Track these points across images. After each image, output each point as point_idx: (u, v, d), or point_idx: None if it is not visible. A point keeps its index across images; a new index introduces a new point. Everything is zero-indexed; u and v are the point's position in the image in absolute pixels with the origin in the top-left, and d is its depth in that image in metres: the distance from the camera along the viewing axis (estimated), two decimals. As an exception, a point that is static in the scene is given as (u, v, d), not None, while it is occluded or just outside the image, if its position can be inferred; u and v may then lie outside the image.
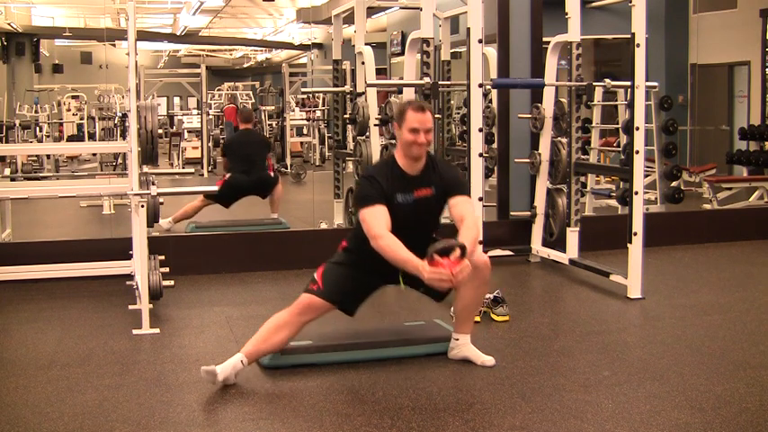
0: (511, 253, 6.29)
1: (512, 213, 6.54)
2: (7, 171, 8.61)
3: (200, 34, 15.88)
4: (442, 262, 3.34)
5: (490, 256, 5.86)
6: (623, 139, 8.42)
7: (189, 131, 12.94)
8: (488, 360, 3.84)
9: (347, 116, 6.76)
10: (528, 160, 6.25)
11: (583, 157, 6.47)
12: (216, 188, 5.38)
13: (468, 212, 3.66)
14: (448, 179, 3.72)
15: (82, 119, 12.37)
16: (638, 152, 5.10)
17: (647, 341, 4.31)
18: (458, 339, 3.90)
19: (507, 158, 6.51)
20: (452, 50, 7.06)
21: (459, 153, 7.09)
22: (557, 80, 6.05)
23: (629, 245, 5.14)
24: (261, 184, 7.73)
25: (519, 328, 4.51)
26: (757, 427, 3.17)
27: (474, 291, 3.77)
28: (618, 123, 8.83)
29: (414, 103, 3.73)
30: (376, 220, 3.52)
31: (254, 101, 15.29)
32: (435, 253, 3.34)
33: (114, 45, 11.19)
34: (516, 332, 4.42)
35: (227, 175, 7.63)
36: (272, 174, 7.89)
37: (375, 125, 6.17)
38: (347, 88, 7.02)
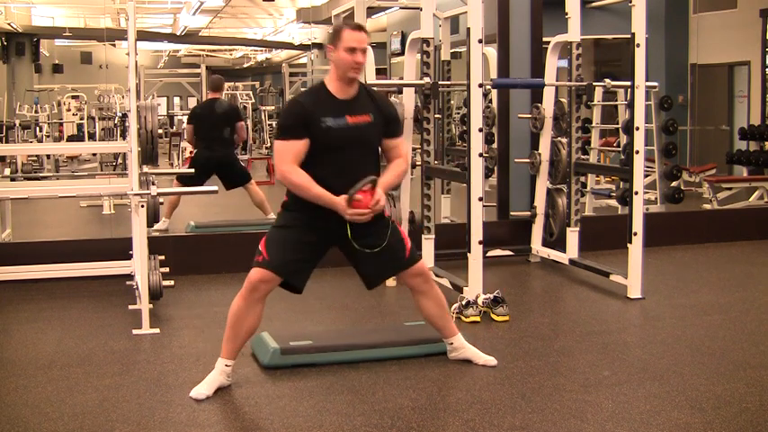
0: (511, 253, 6.29)
1: (512, 213, 6.54)
2: (7, 171, 8.61)
3: (200, 34, 15.89)
4: (360, 200, 3.39)
5: (490, 256, 5.94)
6: (623, 139, 8.43)
7: (189, 131, 12.93)
8: (490, 360, 3.83)
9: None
10: (528, 160, 6.25)
11: (583, 157, 6.47)
12: (215, 188, 5.36)
13: (405, 152, 3.70)
14: (388, 115, 3.62)
15: (82, 119, 12.37)
16: (638, 152, 5.10)
17: (647, 341, 4.32)
18: (452, 343, 3.87)
19: (507, 158, 6.51)
20: (452, 50, 7.05)
21: (459, 153, 7.08)
22: (557, 80, 6.05)
23: (629, 245, 5.14)
24: (224, 165, 7.44)
25: (519, 328, 4.51)
26: (757, 427, 3.17)
27: (426, 299, 3.75)
28: (618, 123, 8.84)
29: (350, 23, 3.59)
30: (285, 155, 3.44)
31: (254, 101, 15.29)
32: (354, 194, 3.39)
33: (114, 45, 11.20)
34: (516, 332, 4.42)
35: (194, 153, 7.44)
36: (240, 162, 7.66)
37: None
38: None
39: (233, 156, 7.70)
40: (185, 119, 13.26)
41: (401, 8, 10.95)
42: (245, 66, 18.17)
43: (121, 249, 5.47)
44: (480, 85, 4.86)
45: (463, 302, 4.59)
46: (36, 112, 12.26)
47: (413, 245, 3.75)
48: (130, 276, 5.27)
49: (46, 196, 6.36)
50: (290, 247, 3.54)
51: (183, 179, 7.18)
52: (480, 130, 4.85)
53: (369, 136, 3.57)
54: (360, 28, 3.52)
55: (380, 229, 3.58)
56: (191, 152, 7.53)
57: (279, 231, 3.59)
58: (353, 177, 3.42)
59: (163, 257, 5.18)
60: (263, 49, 17.59)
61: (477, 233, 4.87)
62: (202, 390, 3.48)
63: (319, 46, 13.34)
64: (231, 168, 7.56)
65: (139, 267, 4.68)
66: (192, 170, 7.24)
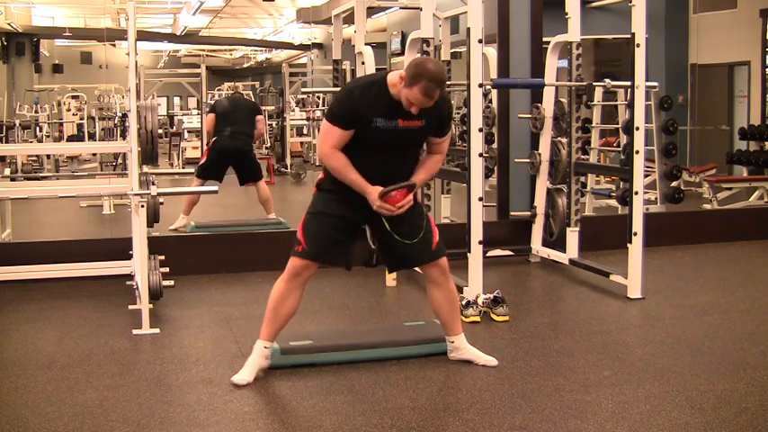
0: (511, 253, 6.29)
1: (512, 213, 6.54)
2: (7, 171, 8.59)
3: (200, 34, 15.88)
4: (393, 197, 3.51)
5: (490, 256, 5.94)
6: (623, 139, 8.42)
7: (189, 131, 12.94)
8: (490, 361, 3.82)
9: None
10: (528, 160, 6.25)
11: (583, 157, 6.47)
12: (215, 189, 5.34)
13: (444, 150, 3.73)
14: (443, 117, 3.61)
15: (82, 119, 12.36)
16: (638, 152, 5.10)
17: (647, 341, 4.32)
18: (453, 342, 3.87)
19: (507, 158, 6.51)
20: (452, 50, 7.05)
21: (459, 153, 7.09)
22: (557, 80, 6.05)
23: (629, 245, 5.14)
24: (243, 154, 7.49)
25: (519, 328, 4.50)
26: (757, 427, 3.17)
27: (439, 291, 3.76)
28: (618, 123, 8.83)
29: (429, 82, 3.36)
30: (329, 138, 3.51)
31: (254, 101, 15.27)
32: (389, 191, 3.51)
33: (114, 45, 11.19)
34: (516, 332, 4.42)
35: (213, 140, 7.44)
36: (256, 156, 7.73)
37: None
38: (347, 88, 7.00)
39: (252, 148, 7.74)
40: (185, 118, 13.35)
41: (401, 8, 10.95)
42: (245, 66, 18.15)
43: (121, 249, 5.47)
44: (480, 85, 4.87)
45: (463, 302, 4.59)
46: (36, 112, 12.25)
47: (440, 237, 3.77)
48: (130, 276, 5.27)
49: (46, 196, 6.36)
50: (327, 234, 3.61)
51: (203, 173, 7.17)
52: (480, 130, 4.86)
53: (416, 139, 3.63)
54: (432, 96, 3.39)
55: (415, 218, 3.64)
56: (207, 143, 7.55)
57: (314, 218, 3.64)
58: (391, 172, 3.54)
59: (163, 257, 5.18)
60: (263, 49, 17.58)
61: (477, 233, 4.87)
62: (243, 376, 3.60)
63: (319, 46, 13.33)
64: (249, 161, 7.60)
65: (139, 267, 4.68)
66: (192, 170, 7.26)
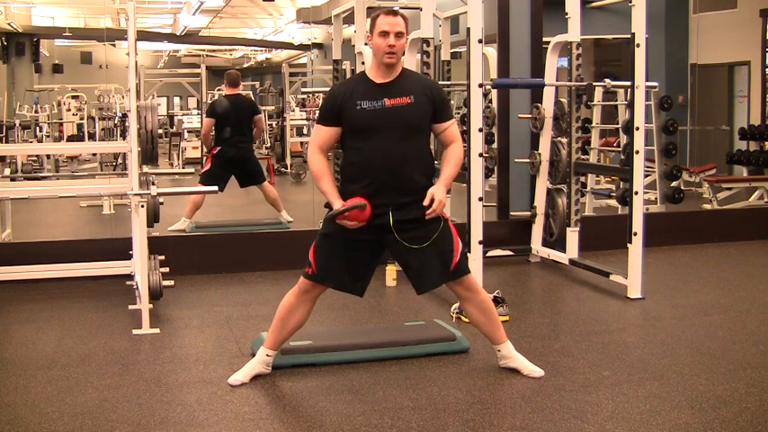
0: (511, 253, 6.29)
1: (512, 213, 6.54)
2: (7, 171, 8.58)
3: (200, 34, 15.88)
4: (347, 216, 3.40)
5: (490, 256, 5.94)
6: (623, 139, 8.43)
7: (189, 131, 12.93)
8: (534, 372, 3.71)
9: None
10: (528, 160, 6.25)
11: (583, 157, 6.47)
12: (215, 188, 5.33)
13: (457, 136, 3.57)
14: (433, 96, 3.52)
15: (82, 119, 12.36)
16: (638, 152, 5.10)
17: (647, 341, 4.32)
18: (499, 351, 3.78)
19: (507, 158, 6.51)
20: (452, 50, 7.05)
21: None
22: (557, 80, 6.05)
23: (629, 245, 5.14)
24: (246, 161, 7.44)
25: (519, 328, 4.50)
26: (757, 427, 3.17)
27: (470, 306, 3.69)
28: (618, 123, 8.83)
29: (386, 15, 3.49)
30: (315, 138, 3.56)
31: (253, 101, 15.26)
32: (341, 214, 3.39)
33: (114, 45, 11.19)
34: (516, 332, 4.42)
35: (216, 150, 7.35)
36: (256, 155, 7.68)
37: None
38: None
39: (254, 152, 7.71)
40: (185, 118, 13.35)
41: (401, 8, 10.96)
42: (245, 66, 18.15)
43: (121, 249, 5.47)
44: (480, 85, 4.87)
45: (463, 302, 4.59)
46: (36, 112, 12.25)
47: (464, 256, 3.65)
48: (130, 276, 5.27)
49: (46, 196, 6.36)
50: (336, 258, 3.56)
51: (207, 180, 7.08)
52: (480, 130, 4.86)
53: (409, 117, 3.48)
54: (395, 13, 3.50)
55: (427, 232, 3.52)
56: (207, 152, 7.46)
57: (324, 240, 3.59)
58: (395, 160, 3.43)
59: (163, 257, 5.18)
60: (263, 49, 17.58)
61: (477, 233, 4.87)
62: (239, 377, 3.63)
63: (319, 46, 13.33)
64: (251, 167, 7.55)
65: (139, 267, 4.68)
66: (192, 170, 7.24)
